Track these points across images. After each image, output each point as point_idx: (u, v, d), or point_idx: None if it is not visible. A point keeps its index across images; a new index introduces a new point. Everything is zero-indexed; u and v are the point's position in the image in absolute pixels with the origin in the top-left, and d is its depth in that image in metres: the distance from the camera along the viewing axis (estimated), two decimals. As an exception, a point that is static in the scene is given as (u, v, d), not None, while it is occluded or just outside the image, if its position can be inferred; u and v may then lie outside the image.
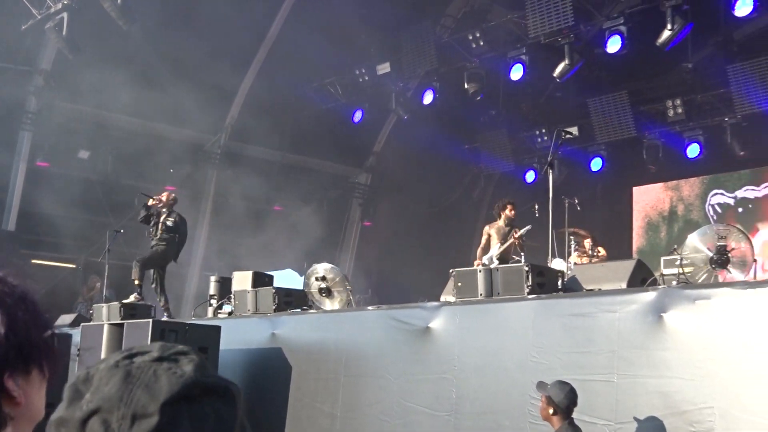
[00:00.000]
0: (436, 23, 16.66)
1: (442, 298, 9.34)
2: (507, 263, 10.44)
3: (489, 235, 11.47)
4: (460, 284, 8.85)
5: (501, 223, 11.44)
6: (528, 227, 11.01)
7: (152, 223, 12.06)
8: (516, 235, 11.02)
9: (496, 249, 11.14)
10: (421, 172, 17.49)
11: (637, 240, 17.38)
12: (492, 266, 9.66)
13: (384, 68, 16.99)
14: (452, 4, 17.14)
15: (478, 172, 19.16)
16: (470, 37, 15.63)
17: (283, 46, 16.96)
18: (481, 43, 15.58)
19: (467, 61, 16.09)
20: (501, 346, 7.77)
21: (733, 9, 12.54)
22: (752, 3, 12.38)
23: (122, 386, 1.13)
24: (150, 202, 12.12)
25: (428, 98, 16.81)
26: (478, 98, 16.17)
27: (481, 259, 11.18)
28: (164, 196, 12.21)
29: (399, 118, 18.18)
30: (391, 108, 17.88)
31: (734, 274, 7.88)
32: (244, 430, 1.18)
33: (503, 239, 11.20)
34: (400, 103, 17.70)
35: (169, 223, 11.98)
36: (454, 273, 9.07)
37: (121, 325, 9.65)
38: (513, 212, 11.43)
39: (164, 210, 12.06)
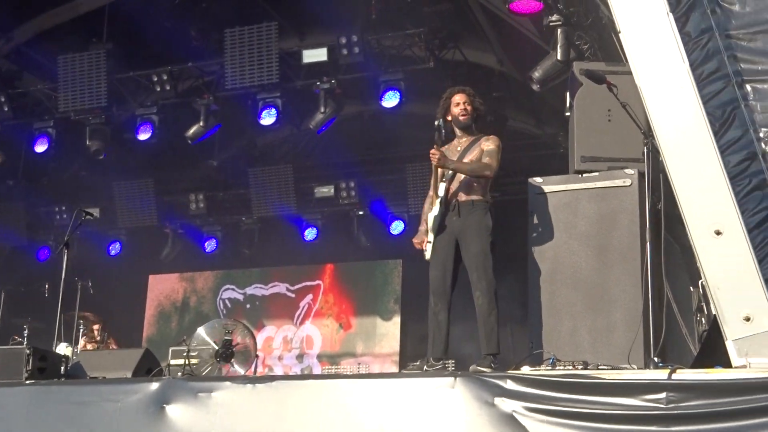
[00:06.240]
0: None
1: None
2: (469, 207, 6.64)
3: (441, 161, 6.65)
4: (-51, 366, 8.11)
5: (456, 139, 6.90)
6: (437, 122, 6.72)
7: None
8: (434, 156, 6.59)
9: (441, 188, 6.70)
10: None
11: (149, 328, 17.33)
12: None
13: None
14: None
15: (-14, 244, 17.82)
16: (-7, 101, 14.67)
17: None
18: (6, 109, 14.69)
19: (-10, 126, 15.08)
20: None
21: (259, 117, 13.40)
22: (275, 114, 13.34)
23: None
24: None
25: (-62, 160, 15.31)
26: (-1, 167, 15.21)
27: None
28: None
29: None
30: None
31: (237, 368, 8.26)
32: None
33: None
34: None
35: None
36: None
37: None
38: (466, 105, 6.76)
39: None
